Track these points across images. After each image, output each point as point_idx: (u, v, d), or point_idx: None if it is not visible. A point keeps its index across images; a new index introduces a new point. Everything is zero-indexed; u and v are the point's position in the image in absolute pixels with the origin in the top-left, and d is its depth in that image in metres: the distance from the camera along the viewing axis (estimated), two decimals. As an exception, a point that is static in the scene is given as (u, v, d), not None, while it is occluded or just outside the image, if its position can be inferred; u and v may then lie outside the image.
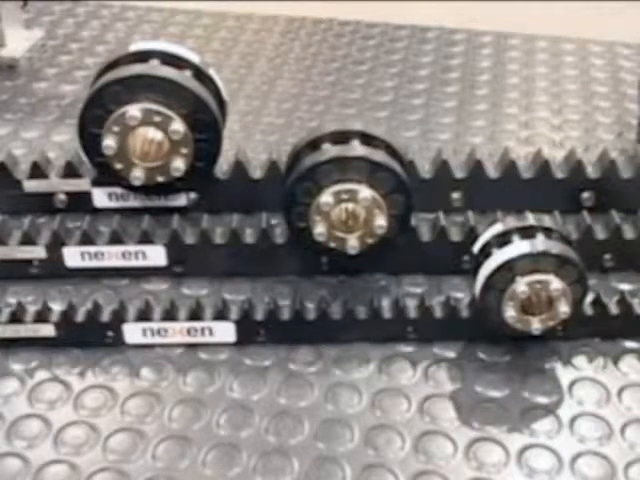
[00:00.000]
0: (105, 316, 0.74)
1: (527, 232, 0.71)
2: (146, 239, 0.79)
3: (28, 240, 0.79)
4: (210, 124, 0.81)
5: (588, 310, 0.74)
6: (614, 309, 0.74)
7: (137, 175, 0.80)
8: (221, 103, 0.84)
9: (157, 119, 0.79)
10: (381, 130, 0.78)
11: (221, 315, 0.74)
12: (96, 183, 0.85)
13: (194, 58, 0.83)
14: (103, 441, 0.67)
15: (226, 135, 0.83)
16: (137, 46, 0.83)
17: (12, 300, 0.77)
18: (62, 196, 0.86)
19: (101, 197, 0.86)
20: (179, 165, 0.80)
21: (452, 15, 1.34)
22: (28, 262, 0.80)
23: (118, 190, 0.85)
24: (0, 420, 0.69)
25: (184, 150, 0.80)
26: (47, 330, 0.74)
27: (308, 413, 0.69)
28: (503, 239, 0.71)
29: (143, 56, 0.81)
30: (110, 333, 0.74)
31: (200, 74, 0.82)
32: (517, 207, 0.80)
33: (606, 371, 0.73)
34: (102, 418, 0.69)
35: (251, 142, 1.00)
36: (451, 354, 0.74)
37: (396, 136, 0.90)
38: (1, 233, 0.80)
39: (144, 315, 0.74)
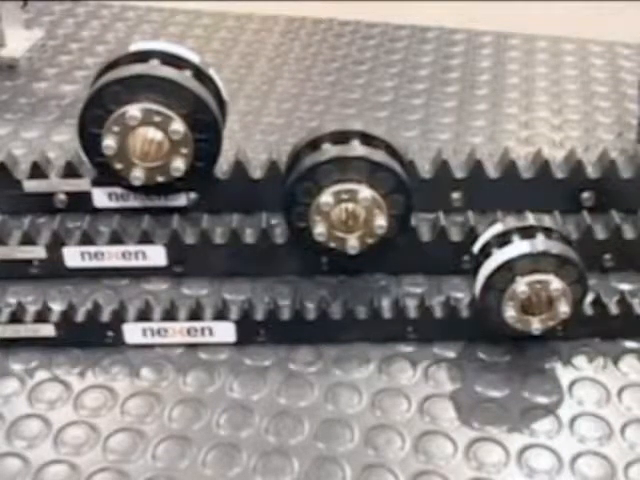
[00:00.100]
0: (105, 316, 0.74)
1: (527, 232, 0.71)
2: (146, 239, 0.79)
3: (28, 240, 0.79)
4: (210, 124, 0.81)
5: (588, 310, 0.74)
6: (614, 309, 0.74)
7: (137, 175, 0.80)
8: (221, 103, 0.84)
9: (157, 119, 0.79)
10: (381, 130, 0.78)
11: (221, 315, 0.74)
12: (96, 183, 0.85)
13: (194, 58, 0.83)
14: (103, 441, 0.67)
15: (226, 135, 0.83)
16: (137, 46, 0.83)
17: (12, 300, 0.77)
18: (62, 196, 0.85)
19: (101, 197, 0.86)
20: (179, 165, 0.80)
21: (452, 15, 1.34)
22: (28, 262, 0.80)
23: (118, 190, 0.85)
24: (0, 420, 0.69)
25: (184, 150, 0.80)
26: (47, 330, 0.74)
27: (308, 413, 0.69)
28: (503, 239, 0.71)
29: (143, 56, 0.81)
30: (110, 333, 0.74)
31: (200, 74, 0.82)
32: (517, 207, 0.80)
33: (606, 371, 0.73)
34: (102, 418, 0.69)
35: (251, 142, 1.00)
36: (451, 354, 0.74)
37: (396, 136, 0.90)
38: (1, 233, 0.80)
39: (144, 315, 0.74)
